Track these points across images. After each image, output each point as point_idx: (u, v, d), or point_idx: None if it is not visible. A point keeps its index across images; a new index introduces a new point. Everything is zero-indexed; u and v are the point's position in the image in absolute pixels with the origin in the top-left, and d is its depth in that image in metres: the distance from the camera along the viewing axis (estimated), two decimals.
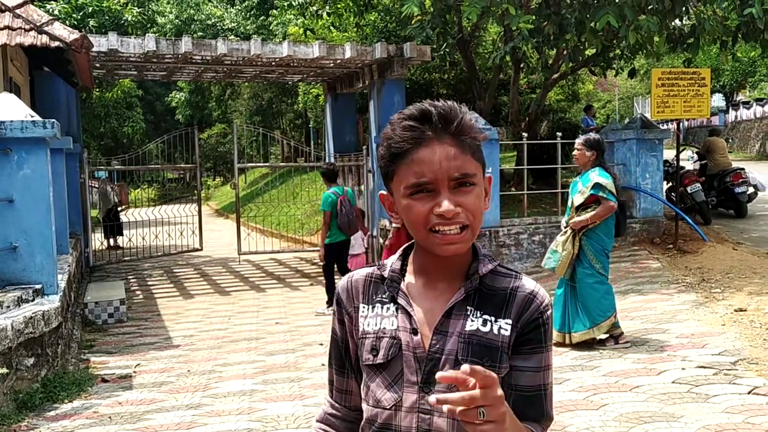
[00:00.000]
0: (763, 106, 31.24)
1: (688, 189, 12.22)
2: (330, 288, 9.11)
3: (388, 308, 1.44)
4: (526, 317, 1.36)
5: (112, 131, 28.20)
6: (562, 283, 6.34)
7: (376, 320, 1.44)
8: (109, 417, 5.09)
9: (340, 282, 1.54)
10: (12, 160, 5.68)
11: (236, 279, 12.72)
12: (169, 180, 35.54)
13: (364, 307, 1.48)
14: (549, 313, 1.39)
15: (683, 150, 11.77)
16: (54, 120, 5.88)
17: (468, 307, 1.38)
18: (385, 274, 1.47)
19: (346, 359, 1.52)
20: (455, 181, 1.31)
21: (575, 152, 6.25)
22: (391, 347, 1.40)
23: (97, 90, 21.76)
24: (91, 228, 14.04)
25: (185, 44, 11.56)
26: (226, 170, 45.27)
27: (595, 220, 6.03)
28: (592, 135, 6.45)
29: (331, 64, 13.09)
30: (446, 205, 1.30)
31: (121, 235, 16.95)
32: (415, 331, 1.38)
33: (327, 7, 14.46)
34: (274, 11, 23.59)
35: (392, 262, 1.49)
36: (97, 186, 18.35)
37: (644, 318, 6.85)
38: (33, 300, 5.54)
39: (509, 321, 1.36)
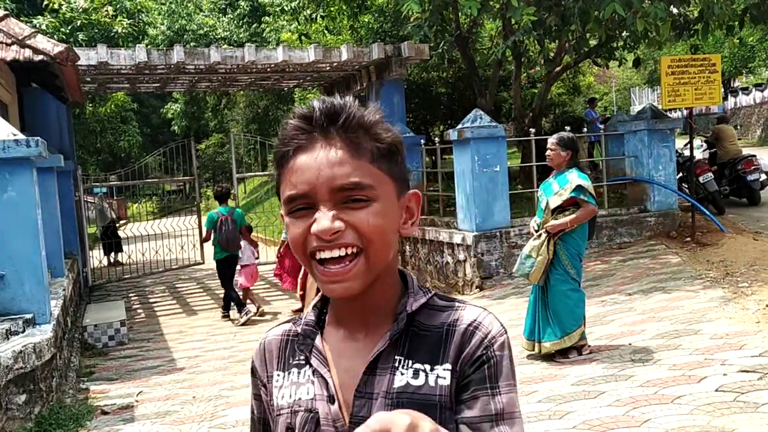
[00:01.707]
0: (762, 91, 30.91)
1: (700, 179, 11.91)
2: (228, 297, 10.07)
3: (304, 373, 1.13)
4: (467, 355, 1.06)
5: (109, 146, 27.86)
6: (533, 290, 6.01)
7: (291, 390, 1.13)
8: None
9: (256, 347, 1.22)
10: None
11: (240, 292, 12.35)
12: (169, 192, 35.24)
13: (278, 375, 1.16)
14: (498, 345, 1.07)
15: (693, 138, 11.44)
16: (38, 138, 5.52)
17: (396, 357, 1.08)
18: (300, 329, 1.15)
19: None
20: (341, 194, 1.02)
21: (549, 152, 5.87)
22: (306, 423, 1.09)
23: (90, 105, 21.41)
24: (89, 246, 13.71)
25: (177, 54, 11.24)
26: (224, 180, 45.02)
27: (575, 224, 5.68)
28: (566, 133, 6.07)
29: (328, 68, 12.78)
30: (323, 222, 1.01)
31: (121, 251, 16.64)
32: (332, 399, 1.09)
33: (320, 11, 14.15)
34: (267, 18, 23.26)
35: (308, 312, 1.17)
36: (94, 202, 18.03)
37: (673, 318, 6.48)
38: (23, 331, 5.17)
39: (448, 366, 1.06)
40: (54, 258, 8.10)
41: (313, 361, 1.12)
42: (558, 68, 14.03)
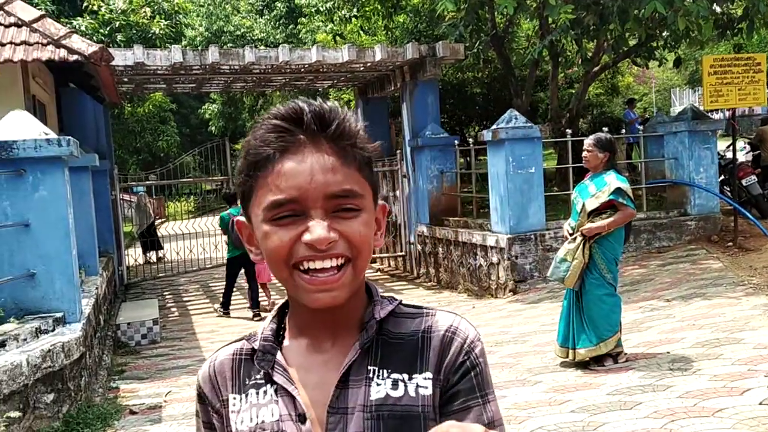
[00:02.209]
0: None
1: (743, 182, 11.55)
2: (226, 294, 10.59)
3: (265, 393, 1.06)
4: (449, 363, 1.03)
5: (148, 146, 28.24)
6: (566, 295, 5.84)
7: (252, 413, 1.06)
8: None
9: (201, 369, 1.13)
10: (26, 182, 5.35)
11: (273, 291, 12.35)
12: (207, 191, 35.56)
13: (235, 399, 1.08)
14: (479, 350, 1.05)
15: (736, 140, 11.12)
16: (70, 137, 5.54)
17: (369, 367, 1.03)
18: (256, 345, 1.08)
19: None
20: (334, 201, 0.99)
21: (585, 153, 5.72)
22: None
23: (129, 105, 21.71)
24: (125, 245, 13.85)
25: (212, 54, 11.29)
26: None
27: (613, 227, 5.52)
28: (603, 135, 5.92)
29: (362, 68, 12.71)
30: (318, 230, 0.97)
31: (162, 248, 16.87)
32: (302, 418, 1.02)
33: (355, 11, 14.11)
34: (303, 19, 23.34)
35: (263, 327, 1.09)
36: (131, 201, 18.28)
37: (714, 326, 6.26)
38: (53, 330, 5.19)
39: (428, 374, 1.02)
40: (88, 256, 8.17)
41: (277, 378, 1.05)
42: (596, 68, 13.77)
